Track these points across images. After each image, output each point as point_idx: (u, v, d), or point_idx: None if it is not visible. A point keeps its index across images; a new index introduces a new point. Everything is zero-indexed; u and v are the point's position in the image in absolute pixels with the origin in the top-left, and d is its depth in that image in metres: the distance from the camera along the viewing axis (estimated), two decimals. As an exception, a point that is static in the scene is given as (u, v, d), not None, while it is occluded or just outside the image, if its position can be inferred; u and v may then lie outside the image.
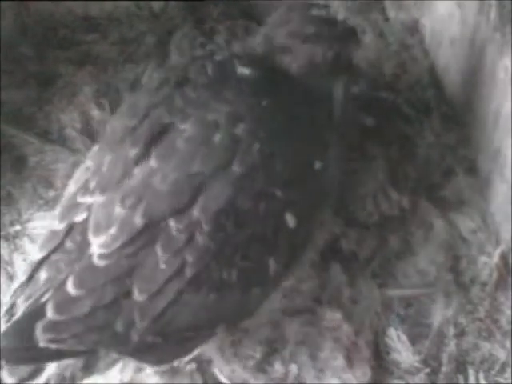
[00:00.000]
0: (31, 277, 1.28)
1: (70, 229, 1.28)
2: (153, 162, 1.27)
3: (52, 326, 1.19)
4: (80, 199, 1.31)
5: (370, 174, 1.79)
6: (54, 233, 1.30)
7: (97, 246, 1.24)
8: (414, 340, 1.54)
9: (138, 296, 1.20)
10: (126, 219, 1.23)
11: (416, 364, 1.50)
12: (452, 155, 1.86)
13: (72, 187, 1.39)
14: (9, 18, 2.13)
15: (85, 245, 1.25)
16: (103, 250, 1.22)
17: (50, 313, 1.20)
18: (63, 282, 1.22)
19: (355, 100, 1.73)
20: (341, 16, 1.66)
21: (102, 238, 1.23)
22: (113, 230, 1.23)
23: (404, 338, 1.53)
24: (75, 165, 1.86)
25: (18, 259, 1.68)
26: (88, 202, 1.30)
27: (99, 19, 2.23)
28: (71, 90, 2.03)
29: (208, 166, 1.26)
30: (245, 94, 1.37)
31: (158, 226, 1.22)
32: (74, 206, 1.32)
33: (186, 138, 1.29)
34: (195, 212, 1.23)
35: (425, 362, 1.51)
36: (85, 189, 1.32)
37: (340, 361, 1.48)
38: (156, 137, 1.30)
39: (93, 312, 1.20)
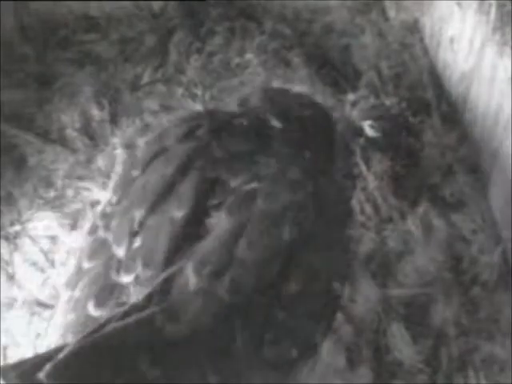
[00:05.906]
0: None
1: None
2: (225, 223, 1.07)
3: None
4: (115, 278, 1.07)
5: (371, 176, 1.79)
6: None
7: None
8: (414, 340, 1.54)
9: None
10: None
11: (417, 364, 1.50)
12: (452, 155, 1.86)
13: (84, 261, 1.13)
14: (9, 18, 2.14)
15: None
16: None
17: None
18: None
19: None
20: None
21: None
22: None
23: (404, 338, 1.53)
24: (75, 165, 1.87)
25: (18, 259, 1.68)
26: (126, 281, 1.06)
27: (99, 19, 2.24)
28: (71, 90, 2.03)
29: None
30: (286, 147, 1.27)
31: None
32: (106, 288, 1.07)
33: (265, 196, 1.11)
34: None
35: (425, 362, 1.51)
36: (117, 263, 1.09)
37: (341, 361, 1.48)
38: (205, 195, 1.11)
39: None
